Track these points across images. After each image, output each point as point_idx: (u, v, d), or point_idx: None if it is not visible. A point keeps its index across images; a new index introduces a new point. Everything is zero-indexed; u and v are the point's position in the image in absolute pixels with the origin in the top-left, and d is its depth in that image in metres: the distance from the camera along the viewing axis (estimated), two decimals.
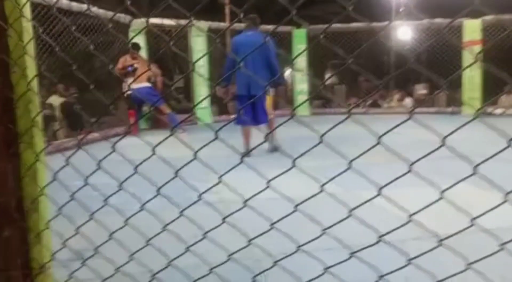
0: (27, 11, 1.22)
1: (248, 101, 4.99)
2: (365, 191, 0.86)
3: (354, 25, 9.08)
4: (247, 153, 4.61)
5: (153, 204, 1.17)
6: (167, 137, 1.06)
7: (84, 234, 1.27)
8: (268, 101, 5.33)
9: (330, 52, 9.79)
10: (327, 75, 14.04)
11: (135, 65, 6.98)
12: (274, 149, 4.98)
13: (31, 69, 1.23)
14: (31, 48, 1.22)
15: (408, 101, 10.89)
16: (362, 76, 12.09)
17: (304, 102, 9.66)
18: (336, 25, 8.87)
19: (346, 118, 0.86)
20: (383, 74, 11.59)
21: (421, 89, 11.40)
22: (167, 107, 7.58)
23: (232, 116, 9.66)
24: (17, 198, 1.28)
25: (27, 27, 1.22)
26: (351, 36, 9.48)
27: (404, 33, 10.78)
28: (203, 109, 8.71)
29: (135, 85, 6.91)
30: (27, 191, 1.28)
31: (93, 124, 7.68)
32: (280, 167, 0.91)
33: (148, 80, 7.20)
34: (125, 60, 7.07)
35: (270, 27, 8.98)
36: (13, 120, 1.25)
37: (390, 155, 0.75)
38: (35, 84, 1.23)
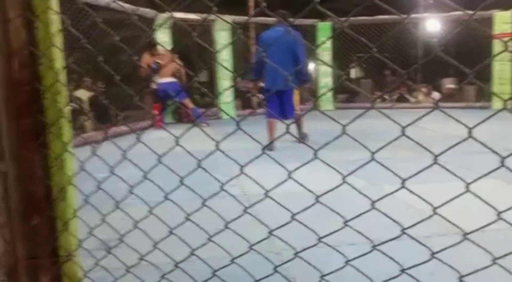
0: (54, 3, 1.25)
1: (275, 96, 5.22)
2: (390, 185, 0.85)
3: (380, 17, 8.93)
4: (269, 145, 4.70)
5: (178, 197, 1.18)
6: (188, 129, 1.07)
7: (110, 225, 1.30)
8: (296, 96, 5.52)
9: (355, 46, 9.67)
10: (352, 70, 13.86)
11: (158, 61, 7.07)
12: (303, 137, 5.29)
13: (59, 61, 1.26)
14: (58, 40, 1.25)
15: (436, 95, 10.65)
16: (388, 70, 11.90)
17: (326, 92, 9.56)
18: (361, 18, 8.74)
19: (367, 110, 0.84)
20: (410, 68, 11.35)
21: (449, 84, 11.12)
22: (190, 102, 7.67)
23: (257, 110, 9.68)
24: (45, 187, 1.31)
25: (54, 19, 1.24)
26: (377, 29, 9.31)
27: (432, 25, 10.52)
28: (227, 104, 8.75)
29: (162, 80, 7.02)
30: (55, 180, 1.31)
31: (119, 118, 7.84)
32: (304, 161, 0.90)
33: (173, 75, 7.29)
34: (146, 59, 7.17)
35: (294, 20, 8.93)
36: (41, 111, 1.28)
37: (418, 150, 0.74)
38: (62, 75, 1.26)
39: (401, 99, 11.10)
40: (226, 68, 7.92)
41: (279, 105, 5.26)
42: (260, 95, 7.97)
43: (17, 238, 1.33)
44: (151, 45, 7.24)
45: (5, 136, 1.27)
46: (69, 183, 1.30)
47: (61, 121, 1.27)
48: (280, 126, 5.00)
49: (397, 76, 11.70)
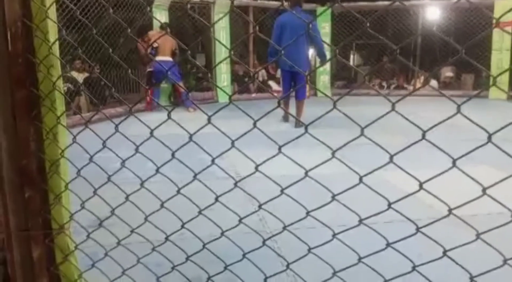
0: None
1: (289, 77, 5.86)
2: (384, 171, 0.85)
3: (380, 3, 8.86)
4: (285, 117, 5.76)
5: (171, 177, 1.19)
6: (170, 111, 1.07)
7: (102, 199, 1.31)
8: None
9: (354, 32, 9.60)
10: (351, 56, 13.81)
11: (154, 45, 7.03)
12: (300, 125, 5.67)
13: (53, 34, 1.25)
14: (53, 12, 1.24)
15: (434, 83, 10.63)
16: (387, 57, 11.84)
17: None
18: (361, 4, 8.67)
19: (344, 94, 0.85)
20: (409, 55, 11.30)
21: (447, 72, 11.10)
22: (181, 86, 7.67)
23: (253, 95, 9.66)
24: (38, 160, 1.32)
25: None
26: (377, 15, 9.24)
27: (432, 12, 10.45)
28: (225, 88, 8.72)
29: (160, 58, 6.99)
30: (48, 153, 1.32)
31: (113, 99, 7.80)
32: (300, 144, 0.91)
33: (173, 54, 7.25)
34: (143, 44, 7.14)
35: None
36: (35, 84, 1.28)
37: (412, 137, 0.74)
38: (56, 48, 1.26)
39: (399, 87, 11.10)
40: (223, 45, 7.87)
41: (291, 85, 5.90)
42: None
43: (10, 210, 1.34)
44: (144, 31, 7.23)
45: None
46: (62, 156, 1.30)
47: (54, 95, 1.27)
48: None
49: (395, 64, 11.66)
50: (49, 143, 1.31)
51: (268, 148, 0.95)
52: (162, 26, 7.15)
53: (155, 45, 7.03)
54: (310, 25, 0.97)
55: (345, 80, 11.80)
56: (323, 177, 1.01)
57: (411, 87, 10.98)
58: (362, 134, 0.83)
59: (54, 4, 1.24)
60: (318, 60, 9.88)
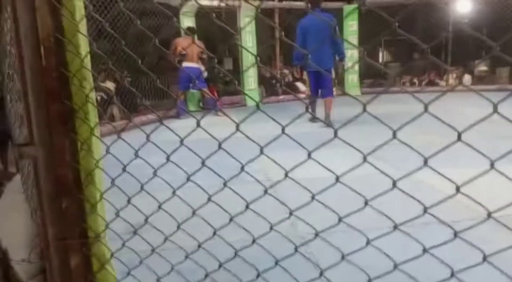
0: None
1: (315, 78, 6.03)
2: (419, 172, 0.83)
3: None
4: (313, 118, 5.87)
5: (202, 182, 1.20)
6: (201, 118, 1.08)
7: (136, 207, 1.33)
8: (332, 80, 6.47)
9: (383, 29, 9.43)
10: (380, 54, 13.57)
11: (182, 52, 7.14)
12: (327, 116, 5.86)
13: (84, 47, 1.28)
14: (83, 27, 1.27)
15: (468, 78, 10.32)
16: (417, 53, 11.58)
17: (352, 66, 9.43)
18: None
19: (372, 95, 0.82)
20: (440, 50, 11.01)
21: (481, 66, 10.75)
22: (208, 91, 7.74)
23: (281, 97, 9.64)
24: (74, 171, 1.35)
25: (80, 6, 1.27)
26: (407, 11, 9.05)
27: (463, 6, 10.15)
28: (251, 91, 8.74)
29: (187, 64, 7.09)
30: (83, 164, 1.35)
31: (144, 107, 7.95)
32: (331, 147, 0.89)
33: (200, 59, 7.34)
34: (177, 47, 7.24)
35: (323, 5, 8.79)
36: (68, 97, 1.31)
37: (448, 135, 0.71)
38: (88, 62, 1.29)
39: (431, 83, 10.82)
40: (249, 52, 7.90)
41: (318, 87, 6.07)
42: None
43: (48, 221, 1.38)
44: (189, 30, 7.31)
45: (34, 122, 1.31)
46: (97, 167, 1.33)
47: (87, 107, 1.30)
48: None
49: (426, 59, 11.39)
50: (84, 154, 1.34)
51: (297, 150, 0.94)
52: (188, 31, 7.25)
53: (183, 52, 7.13)
54: (333, 26, 0.96)
55: (373, 78, 11.61)
56: (355, 179, 0.99)
57: (443, 83, 10.69)
58: (394, 137, 0.81)
59: (85, 18, 1.28)
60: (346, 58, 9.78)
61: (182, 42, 7.19)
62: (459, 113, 5.49)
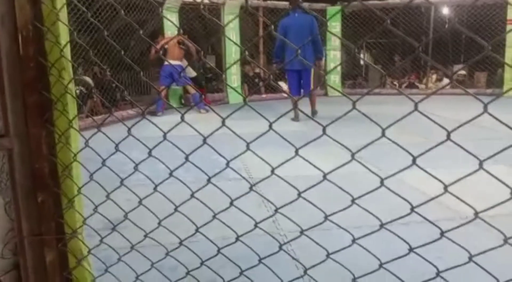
0: None
1: (296, 75, 6.18)
2: (402, 172, 0.82)
3: (391, 1, 8.77)
4: (295, 117, 5.78)
5: (184, 178, 1.17)
6: (183, 113, 1.05)
7: (116, 203, 1.29)
8: (312, 76, 6.40)
9: (365, 31, 9.52)
10: (361, 55, 13.70)
11: (165, 47, 7.07)
12: (314, 113, 5.93)
13: (64, 36, 1.24)
14: (64, 15, 1.23)
15: (446, 82, 10.50)
16: (398, 56, 11.74)
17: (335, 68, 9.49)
18: (371, 2, 8.60)
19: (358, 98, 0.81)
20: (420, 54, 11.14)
21: (459, 70, 10.96)
22: (192, 88, 7.67)
23: (264, 95, 9.63)
24: (50, 164, 1.31)
25: None
26: (388, 14, 9.16)
27: (444, 10, 10.33)
28: (235, 89, 8.70)
29: (169, 61, 7.01)
30: (60, 157, 1.31)
31: (125, 102, 7.84)
32: (314, 145, 0.88)
33: (183, 56, 7.28)
34: (155, 46, 7.18)
35: (306, 4, 8.82)
36: (47, 87, 1.26)
37: (432, 136, 0.71)
38: (68, 51, 1.24)
39: (411, 86, 10.98)
40: (237, 45, 7.86)
41: (299, 84, 6.24)
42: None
43: (22, 215, 1.33)
44: (157, 34, 7.27)
45: (10, 113, 1.26)
46: (74, 160, 1.29)
47: (66, 98, 1.26)
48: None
49: (406, 62, 11.53)
50: (61, 147, 1.29)
51: (281, 148, 0.93)
52: (178, 32, 7.18)
53: (166, 46, 7.05)
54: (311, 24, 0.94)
55: (354, 79, 11.73)
56: (342, 177, 0.98)
57: (423, 86, 10.86)
58: (383, 135, 0.80)
59: (65, 7, 1.23)
60: (326, 58, 9.85)
61: (166, 39, 7.12)
62: (438, 116, 5.57)
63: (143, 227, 1.28)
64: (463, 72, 10.80)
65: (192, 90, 7.63)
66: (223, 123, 0.95)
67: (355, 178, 1.05)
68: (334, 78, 9.81)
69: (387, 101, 7.09)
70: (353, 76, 11.86)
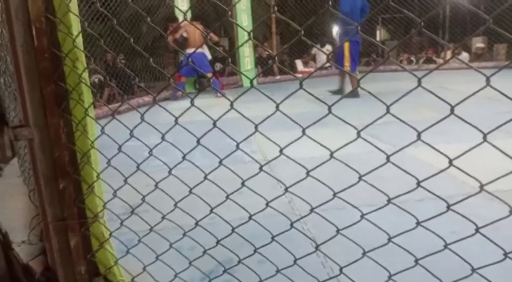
0: None
1: (357, 47, 6.23)
2: (414, 147, 0.83)
3: None
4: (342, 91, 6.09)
5: (199, 163, 1.20)
6: (194, 97, 1.07)
7: (134, 188, 1.33)
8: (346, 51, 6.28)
9: (379, 6, 9.32)
10: (377, 31, 13.45)
11: (184, 35, 7.04)
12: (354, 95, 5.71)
13: (76, 27, 1.27)
14: (75, 6, 1.25)
15: (465, 56, 10.26)
16: (414, 30, 11.50)
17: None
18: None
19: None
20: (437, 28, 10.91)
21: (478, 43, 10.68)
22: (206, 76, 7.67)
23: (277, 77, 9.58)
24: (69, 152, 1.36)
25: None
26: None
27: None
28: (248, 71, 8.68)
29: (190, 50, 7.01)
30: (79, 145, 1.35)
31: (139, 89, 7.90)
32: (328, 126, 0.90)
33: (204, 44, 7.27)
34: (173, 31, 7.13)
35: None
36: (62, 78, 1.30)
37: (443, 111, 0.71)
38: (80, 42, 1.27)
39: (429, 61, 10.77)
40: (242, 28, 7.79)
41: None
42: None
43: (46, 202, 1.39)
44: (173, 18, 7.20)
45: (28, 104, 1.31)
46: (92, 147, 1.34)
47: (81, 87, 1.30)
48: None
49: (423, 36, 11.30)
50: (79, 135, 1.34)
51: (296, 130, 0.94)
52: (190, 18, 7.14)
53: (185, 35, 7.03)
54: None
55: (369, 56, 11.56)
56: (352, 156, 1.00)
57: (441, 60, 10.64)
58: (388, 112, 0.81)
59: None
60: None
61: (184, 26, 7.07)
62: (452, 91, 5.48)
63: (162, 210, 1.32)
64: (481, 45, 10.53)
65: (209, 74, 7.63)
66: (232, 107, 0.97)
67: (368, 157, 1.06)
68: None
69: (405, 77, 6.98)
70: (368, 53, 11.68)
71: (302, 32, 0.83)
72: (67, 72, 1.30)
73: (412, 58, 11.21)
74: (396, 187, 0.97)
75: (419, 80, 0.77)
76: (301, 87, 0.86)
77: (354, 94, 5.65)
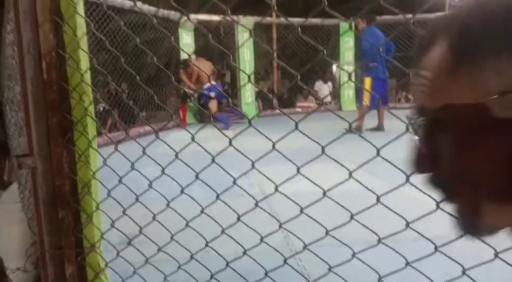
0: (81, 8, 1.32)
1: (382, 85, 6.28)
2: (410, 186, 0.86)
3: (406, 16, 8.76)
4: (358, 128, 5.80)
5: (196, 195, 1.23)
6: (201, 128, 1.12)
7: (132, 219, 1.36)
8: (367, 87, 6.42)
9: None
10: None
11: (211, 95, 7.45)
12: (381, 128, 6.02)
13: (84, 62, 1.33)
14: (84, 43, 1.32)
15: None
16: (413, 69, 11.72)
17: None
18: (386, 17, 8.65)
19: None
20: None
21: None
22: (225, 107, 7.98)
23: (277, 111, 9.71)
24: (71, 182, 1.39)
25: (81, 23, 1.31)
26: (403, 28, 9.15)
27: None
28: (248, 105, 8.80)
29: (208, 84, 7.39)
30: (80, 175, 1.39)
31: (142, 118, 7.99)
32: (327, 161, 0.93)
33: (218, 77, 7.66)
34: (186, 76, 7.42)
35: (318, 20, 8.92)
36: (68, 110, 1.35)
37: None
38: (88, 76, 1.33)
39: None
40: (244, 72, 7.98)
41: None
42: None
43: (44, 230, 1.41)
44: (186, 64, 7.48)
45: (34, 133, 1.35)
46: (93, 178, 1.37)
47: (86, 120, 1.34)
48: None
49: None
50: (81, 165, 1.38)
51: (296, 163, 0.98)
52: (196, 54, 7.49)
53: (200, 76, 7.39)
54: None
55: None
56: (348, 192, 1.01)
57: None
58: (378, 155, 0.85)
59: (85, 35, 1.32)
60: (340, 73, 9.91)
61: (199, 65, 7.36)
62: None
63: (158, 242, 1.34)
64: None
65: (214, 109, 7.78)
66: (230, 144, 1.01)
67: (368, 193, 1.08)
68: (348, 93, 9.83)
69: (400, 115, 7.08)
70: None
71: (299, 77, 0.88)
72: (73, 105, 1.35)
73: (410, 96, 11.38)
74: (392, 225, 1.00)
75: (296, 123, 0.81)
76: (296, 128, 0.90)
77: (378, 128, 6.00)
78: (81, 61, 1.32)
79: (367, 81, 6.27)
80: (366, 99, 6.24)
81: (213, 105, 7.71)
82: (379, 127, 6.19)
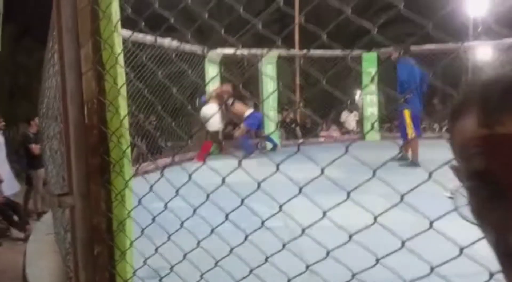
0: (121, 59, 1.43)
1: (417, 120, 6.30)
2: (442, 220, 0.88)
3: (428, 46, 8.81)
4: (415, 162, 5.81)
5: (224, 228, 1.28)
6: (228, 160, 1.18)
7: (162, 255, 1.42)
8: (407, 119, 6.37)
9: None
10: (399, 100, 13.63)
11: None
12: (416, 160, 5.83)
13: (123, 109, 1.43)
14: (124, 91, 1.43)
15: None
16: (437, 99, 11.65)
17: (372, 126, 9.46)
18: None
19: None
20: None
21: None
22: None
23: (300, 140, 9.76)
24: (107, 220, 1.47)
25: (121, 72, 1.43)
26: (426, 58, 9.19)
27: (483, 53, 10.29)
28: (271, 135, 8.88)
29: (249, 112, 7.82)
30: (116, 213, 1.47)
31: (167, 150, 8.16)
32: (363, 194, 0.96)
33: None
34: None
35: (339, 52, 9.05)
36: (106, 152, 1.45)
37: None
38: (126, 121, 1.43)
39: None
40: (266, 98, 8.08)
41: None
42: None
43: (80, 265, 1.48)
44: (241, 95, 7.82)
45: (74, 174, 1.45)
46: (128, 216, 1.45)
47: (123, 161, 1.43)
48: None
49: (446, 105, 11.41)
50: (117, 204, 1.46)
51: (326, 195, 1.01)
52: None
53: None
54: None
55: (390, 122, 11.71)
56: (379, 227, 1.02)
57: None
58: (402, 199, 0.89)
59: (125, 84, 1.43)
60: (363, 102, 9.93)
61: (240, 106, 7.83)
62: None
63: (188, 277, 1.39)
64: None
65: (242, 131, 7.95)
66: (258, 186, 1.08)
67: (401, 228, 1.09)
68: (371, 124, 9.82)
69: (431, 144, 7.00)
70: (390, 119, 11.82)
71: (317, 118, 0.94)
72: (112, 147, 1.45)
73: (435, 126, 11.27)
74: (413, 266, 1.02)
75: (347, 147, 0.85)
76: (346, 152, 0.96)
77: (414, 163, 5.83)
78: (120, 107, 1.42)
79: (407, 114, 6.17)
80: (411, 131, 6.15)
81: (243, 127, 7.89)
82: (414, 161, 5.94)
